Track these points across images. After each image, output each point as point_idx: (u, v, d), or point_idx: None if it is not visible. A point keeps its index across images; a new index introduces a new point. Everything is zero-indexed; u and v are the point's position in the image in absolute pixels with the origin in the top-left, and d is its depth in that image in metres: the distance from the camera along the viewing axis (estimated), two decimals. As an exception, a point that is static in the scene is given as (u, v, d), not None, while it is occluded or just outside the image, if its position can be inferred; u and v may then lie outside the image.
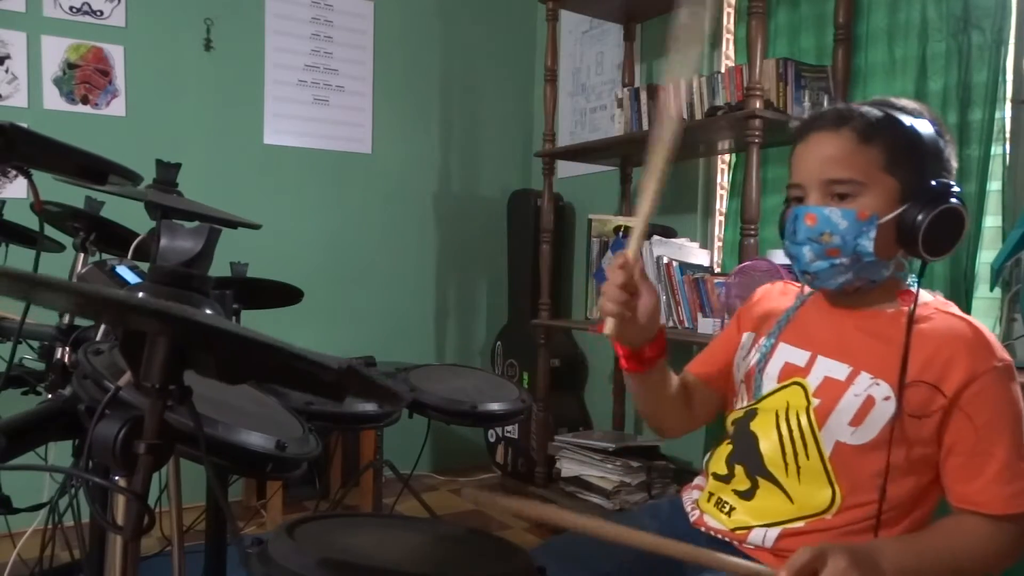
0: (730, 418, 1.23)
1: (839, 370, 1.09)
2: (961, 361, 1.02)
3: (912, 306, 1.05)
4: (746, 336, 1.26)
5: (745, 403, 1.20)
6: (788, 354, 1.16)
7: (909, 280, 1.13)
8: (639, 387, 1.22)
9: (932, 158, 1.07)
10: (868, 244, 1.04)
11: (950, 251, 1.07)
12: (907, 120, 1.07)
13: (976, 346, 1.03)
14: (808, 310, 1.21)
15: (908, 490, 1.06)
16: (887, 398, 1.04)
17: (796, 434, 1.10)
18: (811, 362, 1.13)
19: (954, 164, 1.10)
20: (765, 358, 1.18)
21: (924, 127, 1.07)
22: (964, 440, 1.02)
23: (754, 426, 1.15)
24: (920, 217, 1.03)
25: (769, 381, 1.16)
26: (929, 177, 1.05)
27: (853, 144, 1.06)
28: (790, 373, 1.14)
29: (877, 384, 1.05)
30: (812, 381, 1.11)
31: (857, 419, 1.05)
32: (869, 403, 1.05)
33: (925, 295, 1.11)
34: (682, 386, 1.29)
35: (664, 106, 1.08)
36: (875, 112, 1.07)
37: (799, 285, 1.28)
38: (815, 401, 1.09)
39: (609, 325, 1.05)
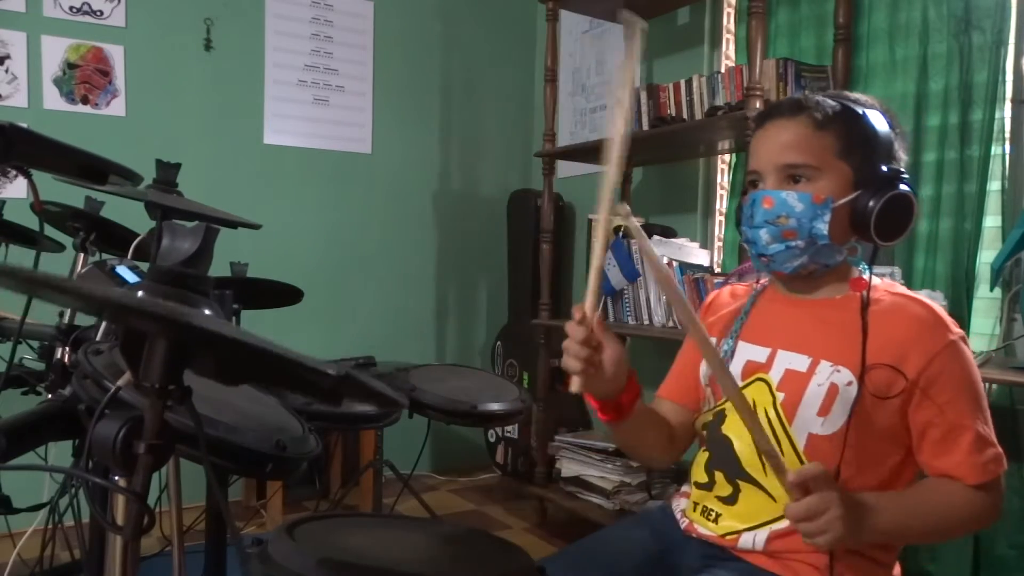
0: (699, 422, 1.23)
1: (799, 361, 1.10)
2: (917, 342, 1.04)
3: (866, 291, 1.06)
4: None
5: (712, 405, 1.20)
6: (749, 352, 1.17)
7: (861, 267, 1.14)
8: (621, 434, 1.18)
9: (883, 147, 1.09)
10: (823, 227, 1.07)
11: (902, 236, 1.09)
12: (860, 110, 1.09)
13: (929, 325, 1.06)
14: (762, 306, 1.22)
15: (882, 472, 1.08)
16: (849, 383, 1.05)
17: (767, 432, 1.10)
18: (772, 357, 1.14)
19: (903, 156, 1.12)
20: (727, 358, 1.19)
21: (876, 117, 1.10)
22: (934, 419, 1.04)
23: (725, 429, 1.16)
24: (872, 203, 1.05)
25: None
26: (880, 165, 1.07)
27: (809, 130, 1.09)
28: (753, 370, 1.15)
29: (838, 371, 1.06)
30: (774, 375, 1.12)
31: (824, 408, 1.06)
32: (833, 391, 1.06)
33: (874, 279, 1.12)
34: (661, 417, 1.29)
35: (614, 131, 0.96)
36: (830, 102, 1.10)
37: (748, 284, 1.29)
38: (780, 395, 1.10)
39: (575, 383, 1.00)
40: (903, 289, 1.13)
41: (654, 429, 1.25)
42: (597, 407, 1.11)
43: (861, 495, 0.99)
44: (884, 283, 1.14)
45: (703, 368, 1.24)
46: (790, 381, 1.10)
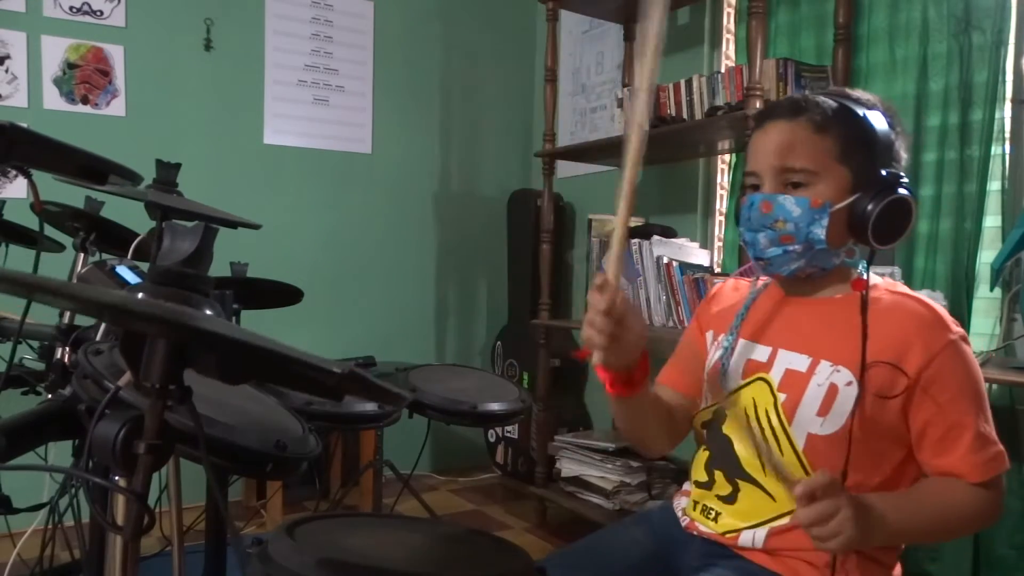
0: (698, 420, 1.23)
1: (799, 361, 1.10)
2: (918, 340, 1.04)
3: (865, 291, 1.05)
4: (708, 335, 1.26)
5: (710, 402, 1.20)
6: (749, 350, 1.17)
7: (860, 268, 1.13)
8: (626, 411, 1.17)
9: (883, 149, 1.09)
10: (820, 232, 1.06)
11: (899, 240, 1.08)
12: (860, 111, 1.08)
13: (929, 323, 1.05)
14: (762, 304, 1.21)
15: (885, 471, 1.07)
16: (849, 383, 1.05)
17: (768, 432, 1.10)
18: (772, 356, 1.13)
19: (904, 155, 1.12)
20: (727, 355, 1.18)
21: (877, 119, 1.09)
22: (934, 418, 1.03)
23: (726, 429, 1.16)
24: (870, 207, 1.05)
25: (734, 379, 1.17)
26: (880, 168, 1.07)
27: (808, 134, 1.08)
28: (753, 369, 1.15)
29: (838, 371, 1.06)
30: (775, 375, 1.12)
31: (823, 409, 1.06)
32: (833, 391, 1.06)
33: (875, 278, 1.12)
34: (664, 402, 1.28)
35: (633, 115, 1.04)
36: (830, 103, 1.09)
37: (750, 280, 1.29)
38: (781, 396, 1.10)
39: (597, 355, 0.98)
40: (904, 288, 1.13)
41: (657, 413, 1.24)
42: (608, 380, 1.08)
43: (865, 497, 0.99)
44: (885, 282, 1.14)
45: (709, 364, 1.23)
46: (790, 381, 1.10)
